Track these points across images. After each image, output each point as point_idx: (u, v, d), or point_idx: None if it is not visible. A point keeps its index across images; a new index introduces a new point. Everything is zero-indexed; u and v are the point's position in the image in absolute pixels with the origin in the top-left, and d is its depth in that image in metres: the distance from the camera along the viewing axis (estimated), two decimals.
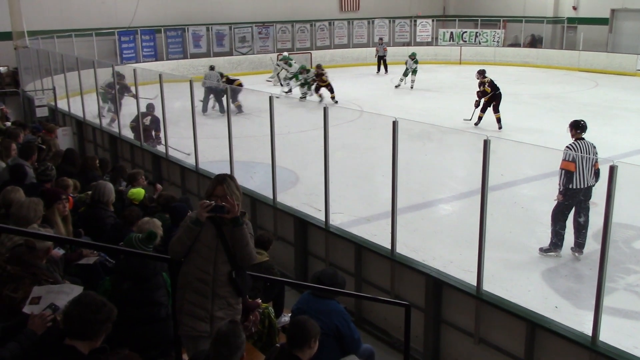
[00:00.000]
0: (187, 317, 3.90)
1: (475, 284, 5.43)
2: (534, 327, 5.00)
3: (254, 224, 8.14)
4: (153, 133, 11.97)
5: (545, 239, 7.80)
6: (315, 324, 3.77)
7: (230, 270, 3.90)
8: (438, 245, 8.08)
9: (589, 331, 4.61)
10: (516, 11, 30.31)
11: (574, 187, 7.32)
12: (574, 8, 28.86)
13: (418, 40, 29.72)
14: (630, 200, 8.87)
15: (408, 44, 29.49)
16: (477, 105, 15.22)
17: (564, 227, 7.53)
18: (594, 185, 7.42)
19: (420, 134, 13.69)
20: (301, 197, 9.33)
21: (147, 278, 4.39)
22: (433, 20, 30.61)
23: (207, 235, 3.86)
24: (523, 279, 7.06)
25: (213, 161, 9.86)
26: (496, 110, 14.93)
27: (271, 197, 7.86)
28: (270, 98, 7.51)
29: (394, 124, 5.83)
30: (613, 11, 27.70)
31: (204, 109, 16.62)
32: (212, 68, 18.83)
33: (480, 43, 29.45)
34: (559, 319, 5.18)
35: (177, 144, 10.64)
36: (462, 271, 5.98)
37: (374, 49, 26.89)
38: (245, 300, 4.55)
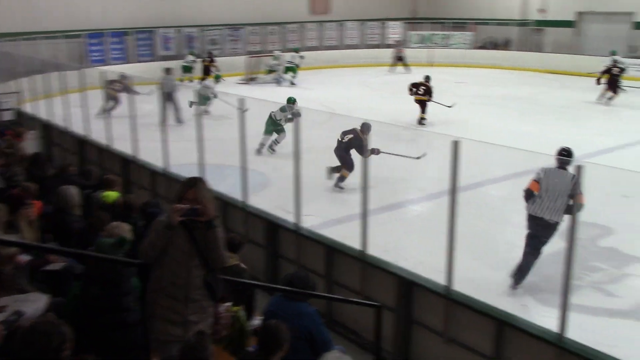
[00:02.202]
0: (161, 322, 3.88)
1: (445, 284, 5.49)
2: (503, 325, 5.06)
3: (224, 227, 8.10)
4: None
5: (514, 239, 7.90)
6: (286, 327, 3.77)
7: (203, 274, 3.89)
8: (409, 246, 8.14)
9: (555, 328, 4.69)
10: (484, 14, 30.70)
11: (533, 213, 6.68)
12: (542, 11, 29.32)
13: (389, 42, 29.90)
14: (596, 200, 9.04)
15: (378, 46, 29.66)
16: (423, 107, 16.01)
17: (529, 263, 6.81)
18: (558, 223, 6.57)
19: (390, 135, 13.78)
20: (272, 199, 9.30)
21: (117, 283, 4.34)
22: (403, 23, 30.82)
23: (180, 239, 3.84)
24: (492, 278, 7.15)
25: (183, 164, 9.79)
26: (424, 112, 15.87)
27: (242, 200, 7.84)
28: (241, 101, 7.49)
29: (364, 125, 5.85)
30: (579, 14, 28.22)
31: (162, 119, 14.06)
32: (168, 71, 16.62)
33: (449, 45, 29.78)
34: (527, 317, 5.27)
35: (147, 147, 10.53)
36: (433, 271, 6.03)
37: (393, 50, 27.51)
38: (216, 303, 4.53)
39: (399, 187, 10.73)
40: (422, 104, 16.09)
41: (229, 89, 20.33)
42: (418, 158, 10.77)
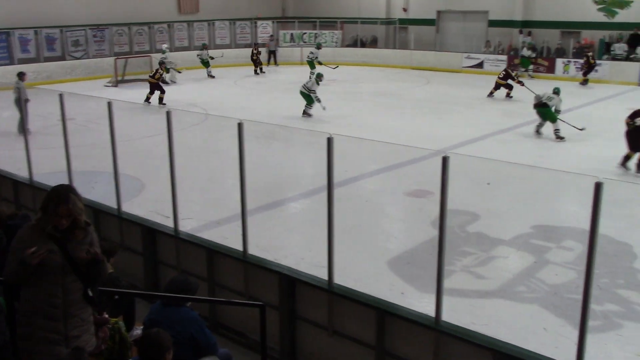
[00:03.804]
0: (41, 344, 3.65)
1: (327, 279, 5.58)
2: (383, 314, 5.23)
3: (98, 235, 7.76)
4: None
5: (391, 231, 8.20)
6: (167, 334, 3.68)
7: (81, 287, 3.71)
8: (290, 244, 8.21)
9: (432, 313, 4.91)
10: (351, 13, 31.55)
11: None
12: (404, 10, 30.62)
13: (259, 41, 29.92)
14: (463, 188, 9.60)
15: (250, 46, 29.60)
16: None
17: None
18: None
19: (266, 134, 13.84)
20: (148, 204, 9.05)
21: None
22: (273, 22, 30.99)
23: (51, 257, 3.61)
24: (371, 269, 7.37)
25: (50, 172, 9.26)
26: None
27: (115, 206, 7.55)
28: (109, 104, 7.20)
29: (239, 125, 5.82)
30: (439, 13, 29.75)
31: (21, 128, 13.15)
32: (20, 76, 14.55)
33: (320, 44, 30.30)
34: (405, 304, 5.48)
35: (6, 155, 9.86)
36: (314, 267, 6.12)
37: (265, 44, 29.15)
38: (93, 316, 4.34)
39: (277, 186, 10.79)
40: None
41: (95, 92, 19.50)
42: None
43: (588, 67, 22.35)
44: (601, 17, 24.44)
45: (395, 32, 30.37)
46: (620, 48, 23.31)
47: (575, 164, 11.62)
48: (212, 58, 25.75)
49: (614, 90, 21.04)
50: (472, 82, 23.73)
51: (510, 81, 19.37)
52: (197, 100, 19.36)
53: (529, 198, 9.96)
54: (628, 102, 18.95)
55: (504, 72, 19.72)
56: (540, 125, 14.53)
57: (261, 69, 26.62)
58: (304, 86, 16.75)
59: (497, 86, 19.66)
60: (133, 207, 8.25)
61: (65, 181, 7.97)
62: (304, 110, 16.75)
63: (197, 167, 11.20)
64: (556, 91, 14.61)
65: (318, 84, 16.65)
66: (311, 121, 15.69)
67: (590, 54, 22.63)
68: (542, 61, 24.88)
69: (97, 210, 7.80)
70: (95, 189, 9.38)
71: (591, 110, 17.94)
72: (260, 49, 26.96)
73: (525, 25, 26.86)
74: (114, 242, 7.32)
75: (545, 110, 14.27)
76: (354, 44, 30.63)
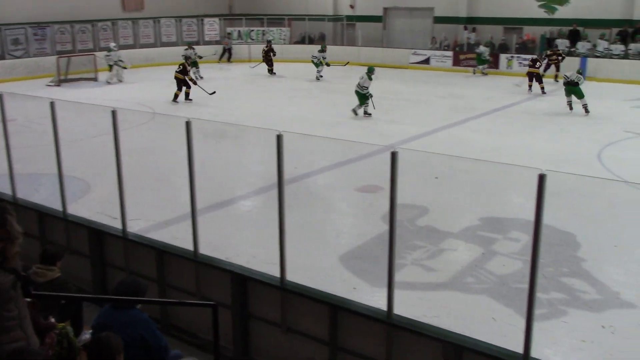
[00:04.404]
0: None
1: (279, 276, 5.57)
2: (336, 309, 5.26)
3: (43, 239, 7.58)
4: None
5: (342, 227, 8.24)
6: (118, 338, 3.61)
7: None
8: (241, 242, 8.17)
9: (384, 306, 4.96)
10: (299, 10, 31.55)
11: None
12: (351, 7, 30.79)
13: (206, 39, 29.64)
14: (412, 182, 9.72)
15: (197, 43, 29.26)
16: None
17: None
18: None
19: (214, 132, 13.72)
20: (94, 206, 8.85)
21: None
22: (220, 19, 30.70)
23: None
24: (323, 265, 7.39)
25: None
26: None
27: (61, 209, 7.36)
28: (52, 104, 7.01)
29: (187, 124, 5.76)
30: (385, 9, 30.04)
31: None
32: None
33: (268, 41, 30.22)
34: (357, 298, 5.52)
35: None
36: (266, 264, 6.10)
37: (224, 42, 29.05)
38: (39, 321, 4.22)
39: (227, 184, 10.71)
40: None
41: (37, 91, 18.96)
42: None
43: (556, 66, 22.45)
44: (542, 14, 25.14)
45: (343, 29, 30.52)
46: (562, 44, 23.99)
47: (519, 156, 11.91)
48: (200, 57, 23.38)
49: (556, 85, 21.65)
50: (419, 77, 24.06)
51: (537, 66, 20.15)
52: (145, 98, 19.05)
53: (476, 191, 10.16)
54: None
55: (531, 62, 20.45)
56: (570, 102, 16.84)
57: (271, 69, 24.68)
58: (358, 85, 16.07)
59: (531, 77, 20.22)
60: (79, 209, 8.06)
61: (7, 185, 7.75)
62: (364, 111, 16.19)
63: (145, 167, 11.02)
64: (580, 72, 17.16)
65: (371, 78, 16.03)
66: (260, 119, 15.60)
67: (558, 56, 22.33)
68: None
69: (41, 214, 7.60)
70: (39, 192, 9.13)
71: (533, 104, 18.43)
72: (272, 46, 24.96)
73: (470, 21, 27.40)
74: (60, 245, 7.15)
75: (576, 89, 16.47)
76: (302, 40, 30.63)
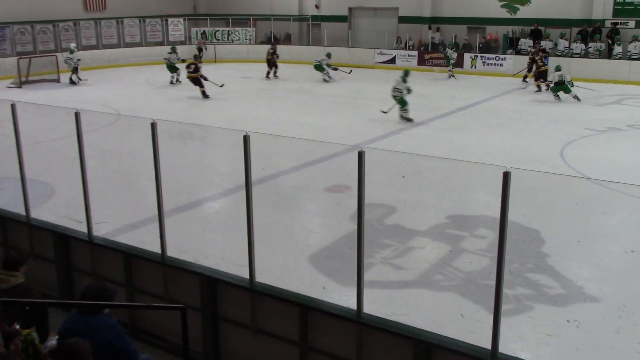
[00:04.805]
0: None
1: (248, 277, 5.56)
2: (306, 310, 5.26)
3: (6, 244, 7.42)
4: None
5: (310, 226, 8.23)
6: (86, 343, 3.56)
7: None
8: (209, 244, 8.11)
9: (353, 306, 4.98)
10: (264, 10, 31.48)
11: None
12: (317, 7, 30.84)
13: (171, 39, 29.34)
14: (379, 181, 9.78)
15: (161, 44, 29.00)
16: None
17: None
18: None
19: (181, 134, 13.61)
20: (59, 210, 8.70)
21: None
22: (184, 20, 30.45)
23: None
24: (292, 266, 7.39)
25: None
26: None
27: (24, 213, 7.21)
28: (13, 106, 6.87)
29: (153, 125, 5.70)
30: (350, 9, 30.16)
31: None
32: None
33: (233, 41, 30.10)
34: (327, 298, 5.54)
35: None
36: (235, 266, 6.07)
37: (198, 42, 29.14)
38: (3, 328, 4.14)
39: (194, 186, 10.63)
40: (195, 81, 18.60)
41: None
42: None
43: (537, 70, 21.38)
44: (504, 14, 25.54)
45: (309, 29, 30.54)
46: (525, 44, 24.39)
47: (484, 155, 12.07)
48: (183, 61, 21.85)
49: (518, 84, 22.00)
50: (385, 77, 24.15)
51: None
52: (108, 100, 18.79)
53: (442, 189, 10.27)
54: (530, 95, 19.96)
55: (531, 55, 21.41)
56: (557, 96, 18.32)
57: (275, 72, 24.04)
58: (394, 89, 15.75)
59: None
60: (43, 213, 7.92)
61: None
62: (400, 115, 15.73)
63: (110, 169, 10.88)
64: (558, 68, 18.56)
65: (405, 81, 15.67)
66: (227, 119, 15.51)
67: (537, 57, 21.25)
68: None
69: (3, 218, 7.44)
70: (0, 196, 8.93)
71: (498, 103, 18.69)
72: (276, 47, 24.50)
73: (434, 21, 27.68)
74: (24, 250, 7.01)
75: (564, 86, 18.06)
76: (268, 40, 30.53)
